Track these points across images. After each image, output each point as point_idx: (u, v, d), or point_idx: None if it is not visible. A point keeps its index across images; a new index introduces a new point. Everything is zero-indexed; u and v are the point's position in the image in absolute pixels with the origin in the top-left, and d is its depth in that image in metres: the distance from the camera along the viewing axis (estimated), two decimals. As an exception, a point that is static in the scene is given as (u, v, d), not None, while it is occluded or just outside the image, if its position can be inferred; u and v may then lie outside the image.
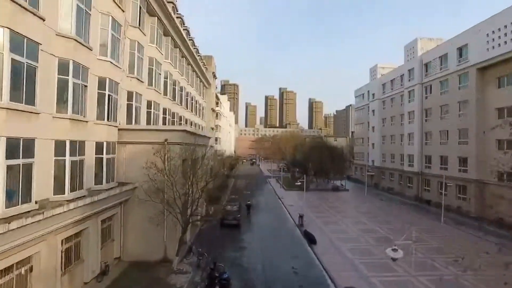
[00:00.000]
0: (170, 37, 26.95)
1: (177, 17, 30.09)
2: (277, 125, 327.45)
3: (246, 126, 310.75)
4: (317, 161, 52.43)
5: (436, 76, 39.56)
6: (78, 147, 13.03)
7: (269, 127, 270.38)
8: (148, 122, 22.56)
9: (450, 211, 33.41)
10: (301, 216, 27.82)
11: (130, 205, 17.69)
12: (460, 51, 35.14)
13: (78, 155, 13.06)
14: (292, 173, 67.01)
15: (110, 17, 15.38)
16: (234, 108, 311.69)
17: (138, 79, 19.62)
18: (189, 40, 36.20)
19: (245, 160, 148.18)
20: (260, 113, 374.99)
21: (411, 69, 45.04)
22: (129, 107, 19.04)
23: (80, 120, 13.11)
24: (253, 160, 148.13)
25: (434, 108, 40.07)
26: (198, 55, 42.41)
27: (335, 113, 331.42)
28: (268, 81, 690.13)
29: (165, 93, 26.84)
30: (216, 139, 73.06)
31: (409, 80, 45.62)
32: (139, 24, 19.59)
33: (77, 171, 12.98)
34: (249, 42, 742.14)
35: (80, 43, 12.71)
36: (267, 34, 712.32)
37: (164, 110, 26.79)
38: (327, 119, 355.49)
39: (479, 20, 32.31)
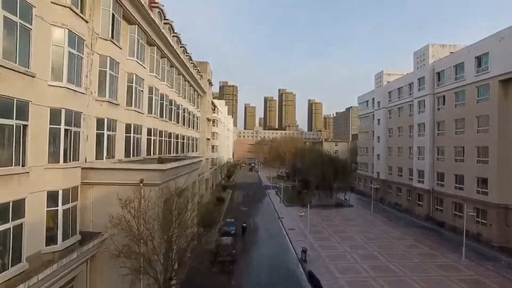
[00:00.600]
0: (155, 47, 23.60)
1: (165, 23, 26.78)
2: (276, 126, 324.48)
3: (245, 127, 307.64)
4: (320, 174, 49.19)
5: (450, 87, 36.33)
6: (12, 209, 9.70)
7: (268, 129, 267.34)
8: (127, 150, 19.28)
9: (468, 238, 30.12)
10: (304, 251, 24.50)
11: (99, 260, 14.33)
12: (479, 60, 31.90)
13: (12, 220, 9.73)
14: (292, 185, 63.64)
15: (67, 31, 12.04)
16: (232, 109, 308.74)
17: (111, 102, 16.28)
18: (180, 47, 32.87)
19: (243, 165, 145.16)
20: (259, 113, 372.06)
21: (421, 78, 41.80)
22: (99, 137, 15.69)
23: (16, 173, 9.78)
24: (252, 165, 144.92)
25: (447, 121, 36.84)
26: (191, 63, 39.05)
27: (335, 115, 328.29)
28: (267, 82, 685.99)
29: (150, 111, 23.52)
30: (213, 147, 70.02)
31: (419, 90, 42.37)
32: (113, 36, 16.25)
33: (9, 241, 9.65)
34: (248, 42, 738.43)
35: (12, 69, 9.38)
36: (266, 35, 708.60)
37: (149, 131, 23.50)
38: (326, 120, 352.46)
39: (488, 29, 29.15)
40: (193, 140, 41.85)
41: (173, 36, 29.48)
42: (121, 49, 17.26)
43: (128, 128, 19.30)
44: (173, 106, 30.12)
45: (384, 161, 53.47)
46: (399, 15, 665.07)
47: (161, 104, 26.51)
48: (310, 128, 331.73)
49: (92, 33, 14.76)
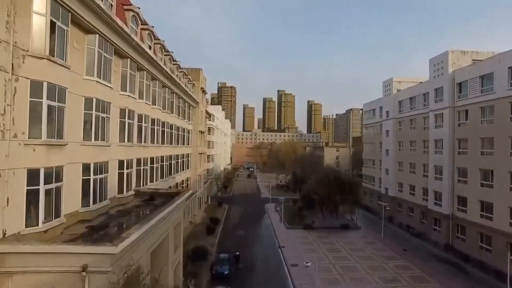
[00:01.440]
0: (128, 59, 19.07)
1: (143, 29, 22.23)
2: (275, 128, 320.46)
3: (243, 129, 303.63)
4: (324, 193, 44.79)
5: (475, 100, 31.94)
6: None
7: (267, 131, 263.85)
8: (86, 196, 14.76)
9: (502, 279, 25.75)
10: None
11: None
12: (514, 71, 27.51)
13: None
14: (293, 199, 59.04)
15: None
16: (231, 110, 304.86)
17: (51, 144, 11.73)
18: (166, 55, 28.33)
19: (241, 170, 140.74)
20: (258, 114, 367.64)
21: (439, 88, 37.38)
22: (31, 196, 11.11)
23: None
24: (251, 170, 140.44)
25: (472, 139, 32.42)
26: (180, 71, 34.54)
27: (334, 116, 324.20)
28: (266, 83, 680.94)
29: (122, 139, 19.04)
30: (208, 157, 65.90)
31: (436, 101, 37.97)
32: (53, 51, 11.70)
33: None
34: (247, 43, 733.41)
35: None
36: (266, 35, 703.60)
37: (121, 164, 19.00)
38: (325, 120, 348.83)
39: None
40: (183, 158, 37.34)
41: (155, 43, 24.95)
42: (68, 68, 12.68)
43: (86, 169, 14.80)
44: (156, 126, 25.57)
45: (393, 177, 49.08)
46: (403, 16, 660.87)
47: (139, 127, 21.99)
48: (309, 129, 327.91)
49: (13, 50, 10.19)
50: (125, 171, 19.54)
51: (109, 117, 16.70)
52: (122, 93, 18.83)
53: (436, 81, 37.77)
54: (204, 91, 47.47)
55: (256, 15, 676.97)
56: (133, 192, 20.79)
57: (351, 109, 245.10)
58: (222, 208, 55.15)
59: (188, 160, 40.26)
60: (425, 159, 40.70)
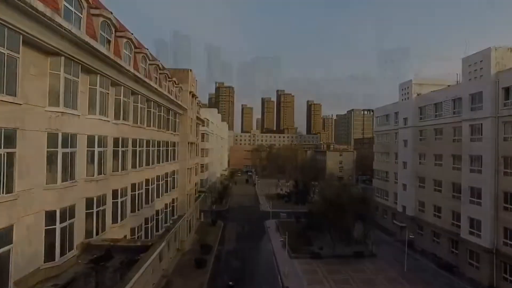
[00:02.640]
0: (62, 58, 12.51)
1: (94, 15, 15.57)
2: (274, 128, 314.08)
3: (242, 130, 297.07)
4: (333, 213, 38.41)
5: (530, 111, 25.59)
6: None
7: (266, 132, 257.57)
8: None
9: None
10: None
11: None
12: None
13: None
14: (296, 214, 52.61)
15: None
16: (229, 111, 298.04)
17: None
18: (137, 52, 21.71)
19: (239, 174, 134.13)
20: (257, 114, 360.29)
21: (476, 94, 30.97)
22: None
23: None
24: (249, 174, 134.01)
25: (524, 159, 26.08)
26: (161, 73, 27.95)
27: (335, 117, 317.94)
28: (265, 84, 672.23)
29: (53, 179, 12.55)
30: (202, 166, 59.70)
31: (472, 109, 31.56)
32: None
33: None
34: (247, 42, 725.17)
35: None
36: (265, 35, 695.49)
37: (50, 216, 12.48)
38: (325, 121, 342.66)
39: None
40: (167, 177, 30.81)
41: (118, 36, 18.33)
42: None
43: None
44: (120, 148, 19.02)
45: (412, 194, 42.69)
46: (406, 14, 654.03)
47: (91, 154, 15.51)
48: (308, 130, 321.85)
49: None
50: (59, 225, 13.03)
51: (14, 152, 10.18)
52: (51, 109, 12.32)
53: (473, 85, 31.33)
54: (194, 95, 40.85)
55: (255, 14, 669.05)
56: (76, 252, 14.28)
57: (352, 110, 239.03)
58: (217, 227, 48.58)
59: (174, 178, 33.70)
60: (455, 177, 34.31)
